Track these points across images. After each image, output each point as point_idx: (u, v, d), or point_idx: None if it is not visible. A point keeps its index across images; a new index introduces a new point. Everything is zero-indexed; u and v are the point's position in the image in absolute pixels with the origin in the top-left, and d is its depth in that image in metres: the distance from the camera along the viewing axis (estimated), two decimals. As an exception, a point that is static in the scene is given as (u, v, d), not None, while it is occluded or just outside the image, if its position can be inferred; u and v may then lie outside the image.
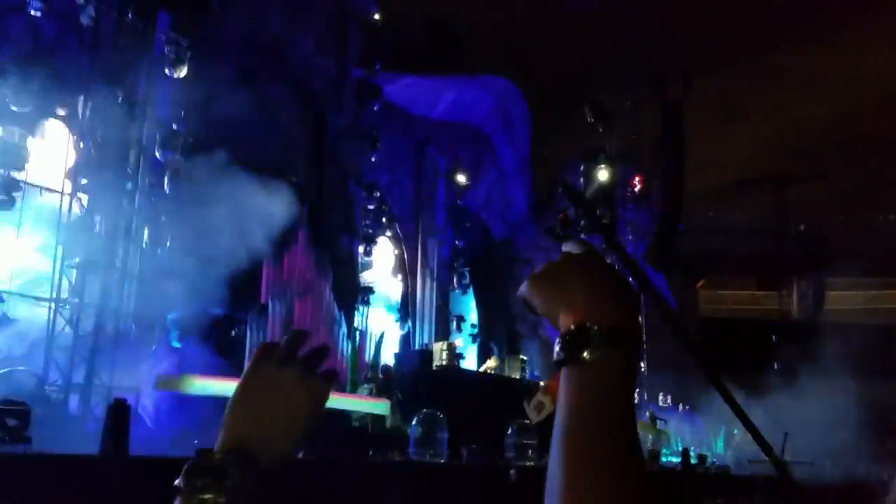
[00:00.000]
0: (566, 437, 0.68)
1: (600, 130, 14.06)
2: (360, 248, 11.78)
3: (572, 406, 0.70)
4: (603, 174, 14.57)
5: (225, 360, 9.04)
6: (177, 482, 0.77)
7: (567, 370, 0.72)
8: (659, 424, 11.07)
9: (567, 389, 0.71)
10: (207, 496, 0.76)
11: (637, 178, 15.50)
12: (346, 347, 10.22)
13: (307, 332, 0.92)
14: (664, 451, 9.35)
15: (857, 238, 16.24)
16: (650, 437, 9.53)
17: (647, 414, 11.34)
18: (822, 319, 15.99)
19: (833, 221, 16.58)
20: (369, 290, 11.78)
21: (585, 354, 0.70)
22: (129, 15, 8.23)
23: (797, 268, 16.95)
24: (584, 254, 0.78)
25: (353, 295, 11.41)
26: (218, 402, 8.32)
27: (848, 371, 10.39)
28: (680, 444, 11.05)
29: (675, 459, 9.27)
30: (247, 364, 0.88)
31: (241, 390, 0.86)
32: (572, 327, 0.72)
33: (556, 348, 0.73)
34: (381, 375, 9.08)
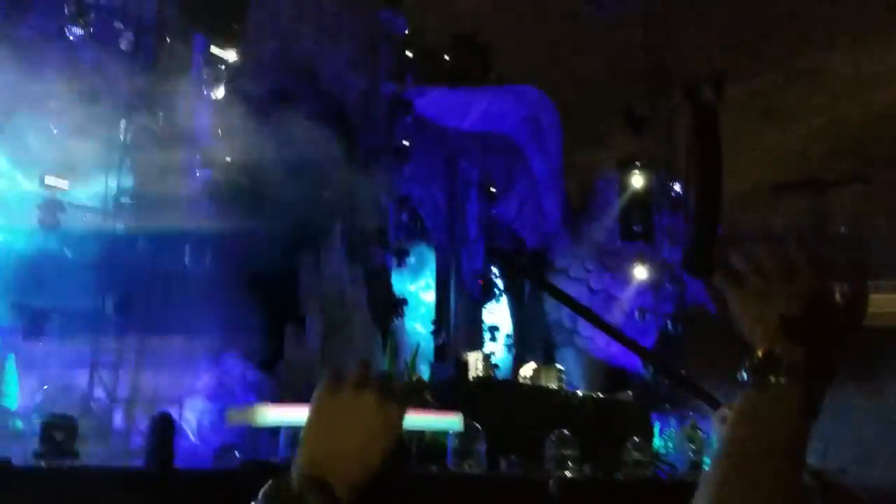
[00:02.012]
0: (725, 455, 0.68)
1: (634, 137, 13.97)
2: (394, 261, 11.85)
3: (740, 426, 0.69)
4: (637, 181, 14.46)
5: (264, 373, 9.16)
6: None
7: (745, 393, 0.72)
8: (702, 433, 10.86)
9: (735, 413, 0.71)
10: None
11: (673, 185, 15.33)
12: (382, 360, 10.28)
13: (371, 361, 0.94)
14: (706, 460, 9.17)
15: (899, 240, 15.82)
16: (692, 445, 9.37)
17: (690, 422, 11.14)
18: (865, 324, 15.57)
19: (875, 224, 16.19)
20: (403, 303, 11.83)
21: (768, 382, 0.70)
22: (168, 39, 8.45)
23: (838, 272, 16.58)
24: (796, 276, 0.76)
25: (388, 308, 11.46)
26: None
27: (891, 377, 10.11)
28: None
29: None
30: (316, 391, 0.88)
31: (316, 415, 0.86)
32: (761, 353, 0.71)
33: (743, 370, 0.72)
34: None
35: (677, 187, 15.12)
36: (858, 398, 9.92)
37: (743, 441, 0.70)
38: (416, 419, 0.93)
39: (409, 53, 12.32)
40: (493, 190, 14.54)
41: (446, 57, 13.41)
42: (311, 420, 0.86)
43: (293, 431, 0.88)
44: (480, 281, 13.94)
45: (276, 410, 0.92)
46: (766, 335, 0.73)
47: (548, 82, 14.43)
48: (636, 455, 7.47)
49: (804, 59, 13.75)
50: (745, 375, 0.72)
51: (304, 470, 0.81)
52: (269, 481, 0.79)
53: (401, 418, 0.88)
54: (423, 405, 0.94)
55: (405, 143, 11.79)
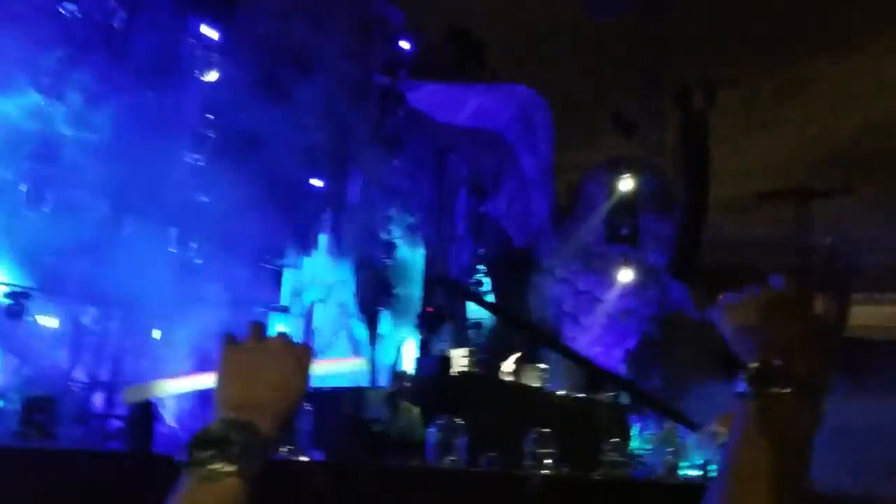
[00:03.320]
0: (731, 469, 0.70)
1: (624, 140, 14.03)
2: (381, 254, 11.85)
3: (744, 439, 0.71)
4: (626, 184, 14.53)
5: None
6: (179, 458, 0.78)
7: (744, 405, 0.74)
8: (679, 437, 10.95)
9: (741, 422, 0.73)
10: (216, 466, 0.76)
11: (660, 189, 15.42)
12: (367, 353, 10.28)
13: (264, 326, 0.96)
14: (682, 464, 9.26)
15: (883, 253, 16.02)
16: (670, 447, 9.46)
17: (668, 425, 11.22)
18: (846, 335, 15.75)
19: (859, 236, 16.38)
20: (390, 296, 11.84)
21: (766, 392, 0.72)
22: (160, 19, 8.39)
23: (821, 282, 16.75)
24: (787, 295, 0.78)
25: (375, 301, 11.47)
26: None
27: (869, 387, 10.24)
28: (700, 458, 10.94)
29: (694, 472, 9.18)
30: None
31: (227, 364, 0.88)
32: (757, 364, 0.73)
33: (743, 382, 0.74)
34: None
35: (665, 192, 15.21)
36: (833, 409, 10.03)
37: (743, 453, 0.72)
38: (324, 366, 0.97)
39: (403, 46, 12.30)
40: (482, 187, 14.56)
41: (440, 51, 13.39)
42: (222, 368, 0.88)
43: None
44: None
45: (172, 382, 0.94)
46: (762, 347, 0.74)
47: (540, 82, 14.46)
48: (614, 456, 7.53)
49: (794, 69, 13.87)
50: (744, 386, 0.74)
51: (224, 414, 0.82)
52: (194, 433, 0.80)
53: (309, 357, 0.91)
54: None
55: (396, 136, 11.78)
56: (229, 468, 0.77)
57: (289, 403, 0.87)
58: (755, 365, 0.74)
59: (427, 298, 12.74)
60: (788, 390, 0.72)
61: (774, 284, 0.82)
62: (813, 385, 0.73)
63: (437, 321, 9.89)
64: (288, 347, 0.90)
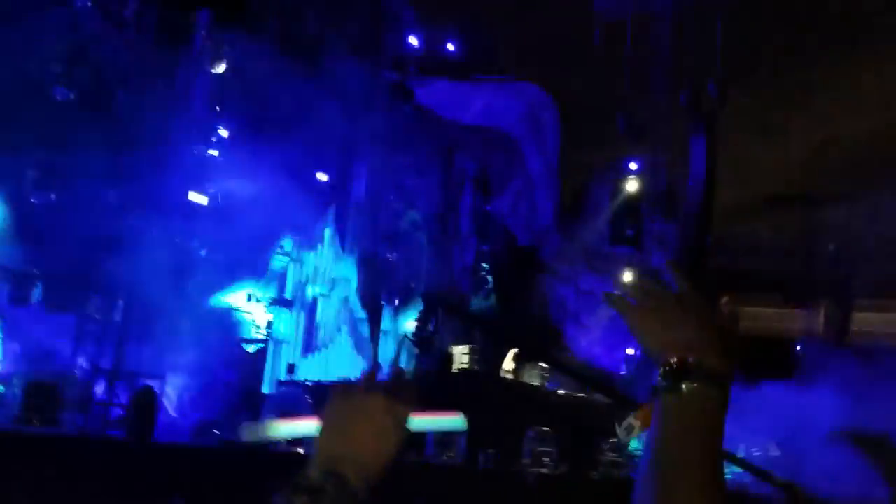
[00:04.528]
0: (657, 461, 0.76)
1: (631, 142, 14.01)
2: (386, 250, 11.87)
3: (665, 430, 0.77)
4: (631, 185, 14.51)
5: (247, 353, 9.18)
6: (276, 500, 0.83)
7: (663, 399, 0.79)
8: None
9: (662, 417, 0.78)
10: None
11: (666, 192, 15.40)
12: (368, 349, 10.31)
13: (378, 367, 1.01)
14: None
15: (887, 260, 15.98)
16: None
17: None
18: (848, 341, 15.73)
19: (864, 243, 16.34)
20: (393, 292, 11.85)
21: (684, 387, 0.77)
22: (170, 11, 8.42)
23: (825, 288, 16.72)
24: (688, 294, 0.86)
25: (378, 296, 11.48)
26: (239, 393, 8.45)
27: (869, 394, 10.23)
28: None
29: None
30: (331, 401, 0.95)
31: (330, 417, 0.94)
32: (674, 361, 0.79)
33: (657, 378, 0.80)
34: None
35: (670, 195, 15.19)
36: (832, 414, 10.02)
37: (672, 441, 0.78)
38: (422, 419, 1.01)
39: (412, 42, 12.30)
40: (488, 185, 14.57)
41: (450, 48, 13.39)
42: (326, 423, 0.93)
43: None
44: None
45: (287, 424, 1.00)
46: (673, 346, 0.82)
47: (549, 81, 14.46)
48: (612, 455, 7.55)
49: (803, 74, 13.82)
50: (661, 381, 0.81)
51: (322, 465, 0.87)
52: (293, 477, 0.85)
53: (407, 416, 0.96)
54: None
55: (404, 132, 11.80)
56: None
57: (381, 460, 0.92)
58: (671, 361, 0.81)
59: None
60: (702, 383, 0.80)
61: (672, 283, 0.91)
62: (722, 377, 0.80)
63: (425, 338, 9.99)
64: (390, 406, 0.94)
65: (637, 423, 0.86)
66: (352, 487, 0.85)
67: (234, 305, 9.58)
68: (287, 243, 10.21)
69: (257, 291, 9.80)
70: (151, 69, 8.22)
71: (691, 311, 0.86)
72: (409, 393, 0.97)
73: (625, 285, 0.94)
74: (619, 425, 0.89)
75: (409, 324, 10.95)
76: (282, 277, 10.23)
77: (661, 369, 0.82)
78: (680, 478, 0.75)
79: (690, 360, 0.80)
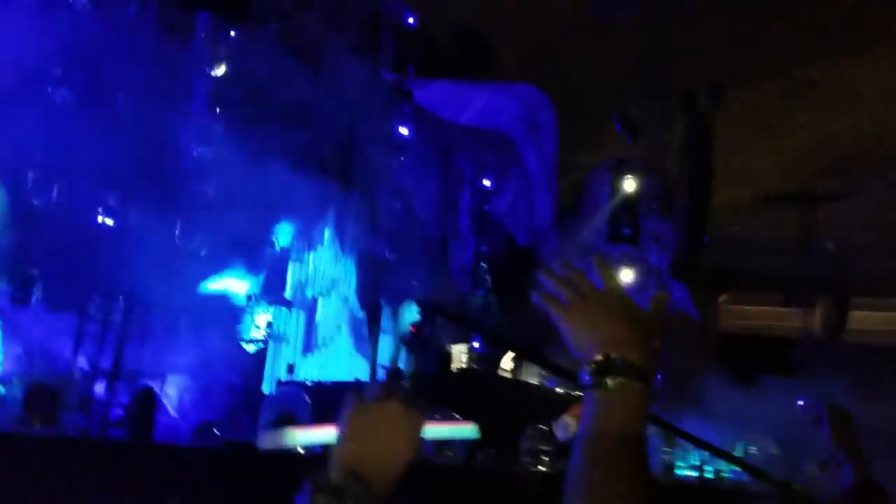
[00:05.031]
0: (587, 451, 0.81)
1: (628, 141, 14.03)
2: (385, 250, 11.88)
3: (594, 424, 0.82)
4: (629, 185, 14.54)
5: (247, 353, 9.19)
6: (298, 501, 0.85)
7: (591, 394, 0.84)
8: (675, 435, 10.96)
9: (590, 411, 0.84)
10: None
11: (663, 190, 15.44)
12: (367, 348, 10.33)
13: (400, 372, 1.04)
14: (679, 463, 9.30)
15: (884, 258, 16.02)
16: (666, 448, 9.50)
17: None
18: (845, 339, 15.77)
19: (861, 241, 16.37)
20: (395, 292, 11.86)
21: (609, 382, 0.83)
22: (170, 12, 8.43)
23: (822, 286, 16.75)
24: (612, 291, 0.91)
25: (377, 296, 11.50)
26: (239, 394, 8.47)
27: (865, 393, 10.26)
28: (696, 457, 10.99)
29: (691, 473, 9.21)
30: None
31: (350, 420, 0.96)
32: (599, 358, 0.84)
33: (583, 375, 0.86)
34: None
35: (668, 193, 15.23)
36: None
37: (601, 434, 0.82)
38: (436, 428, 1.04)
39: (411, 44, 12.33)
40: (486, 185, 14.59)
41: (447, 49, 13.42)
42: (344, 427, 0.95)
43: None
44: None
45: (305, 431, 1.02)
46: (598, 343, 0.86)
47: (546, 82, 14.47)
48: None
49: (801, 72, 13.84)
50: (586, 379, 0.85)
51: (345, 467, 0.90)
52: (312, 475, 0.87)
53: (423, 421, 0.98)
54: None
55: (402, 133, 11.82)
56: None
57: (398, 466, 0.94)
58: (598, 358, 0.85)
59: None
60: (627, 379, 0.84)
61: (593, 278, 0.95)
62: (645, 373, 0.84)
63: (419, 342, 10.02)
64: (405, 413, 0.96)
65: (573, 421, 0.90)
66: (371, 489, 0.87)
67: (235, 305, 9.60)
68: (287, 243, 10.23)
69: (257, 291, 9.82)
70: (151, 69, 8.23)
71: (614, 309, 0.89)
72: (422, 401, 1.00)
73: (554, 280, 0.98)
74: (555, 423, 0.93)
75: (407, 324, 10.98)
76: (282, 277, 10.25)
77: (588, 366, 0.85)
78: (607, 467, 0.79)
79: (613, 356, 0.83)
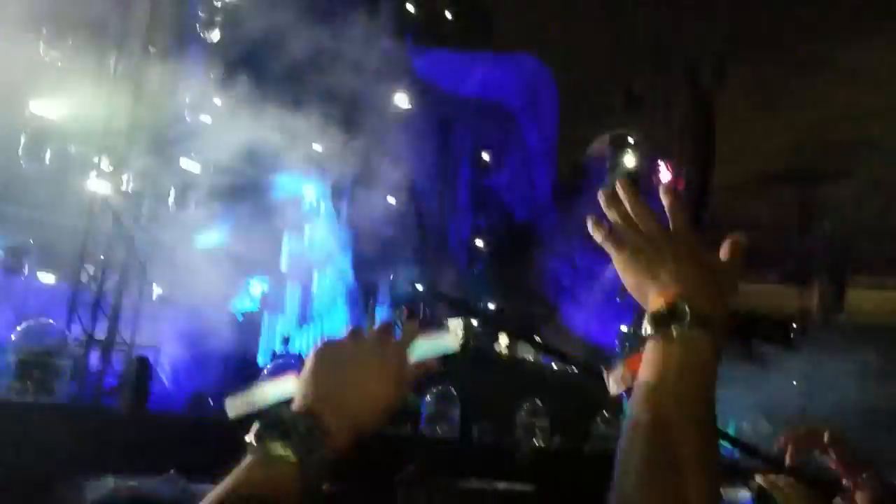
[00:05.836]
0: (646, 410, 0.70)
1: (629, 116, 13.93)
2: (382, 223, 11.82)
3: (655, 380, 0.71)
4: (630, 161, 14.45)
5: (242, 324, 9.17)
6: (247, 437, 0.78)
7: (652, 345, 0.74)
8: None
9: (651, 364, 0.73)
10: (274, 449, 0.76)
11: (665, 167, 15.35)
12: (363, 321, 10.32)
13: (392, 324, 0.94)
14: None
15: (883, 238, 16.00)
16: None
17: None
18: (842, 319, 15.83)
19: (860, 220, 16.35)
20: (390, 266, 11.83)
21: (674, 332, 0.72)
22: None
23: (820, 265, 16.76)
24: (681, 230, 0.80)
25: (374, 269, 11.47)
26: (234, 364, 8.47)
27: (863, 371, 10.31)
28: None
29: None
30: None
31: (315, 357, 0.87)
32: (663, 305, 0.74)
33: (645, 323, 0.75)
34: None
35: (669, 169, 15.15)
36: (825, 390, 10.11)
37: (661, 389, 0.72)
38: (416, 344, 0.95)
39: (409, 11, 12.13)
40: (486, 158, 14.48)
41: (448, 16, 13.22)
42: (307, 369, 0.86)
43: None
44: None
45: (272, 386, 0.91)
46: (663, 288, 0.76)
47: (548, 54, 14.31)
48: (604, 429, 7.61)
49: (804, 51, 13.71)
50: (648, 329, 0.75)
51: (298, 406, 0.82)
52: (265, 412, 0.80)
53: (402, 358, 0.89)
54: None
55: (401, 103, 11.68)
56: (286, 454, 0.76)
57: (371, 409, 0.85)
58: (659, 305, 0.75)
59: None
60: (695, 329, 0.74)
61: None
62: (712, 321, 0.74)
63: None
64: (382, 352, 0.87)
65: (629, 374, 0.81)
66: (326, 428, 0.79)
67: (229, 276, 9.56)
68: (283, 216, 10.16)
69: (253, 264, 9.77)
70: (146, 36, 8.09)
71: (683, 253, 0.79)
72: (407, 334, 0.91)
73: (615, 213, 0.87)
74: (609, 375, 0.84)
75: (402, 304, 10.98)
76: (278, 249, 10.20)
77: (649, 313, 0.76)
78: (670, 426, 0.69)
79: (679, 302, 0.74)
